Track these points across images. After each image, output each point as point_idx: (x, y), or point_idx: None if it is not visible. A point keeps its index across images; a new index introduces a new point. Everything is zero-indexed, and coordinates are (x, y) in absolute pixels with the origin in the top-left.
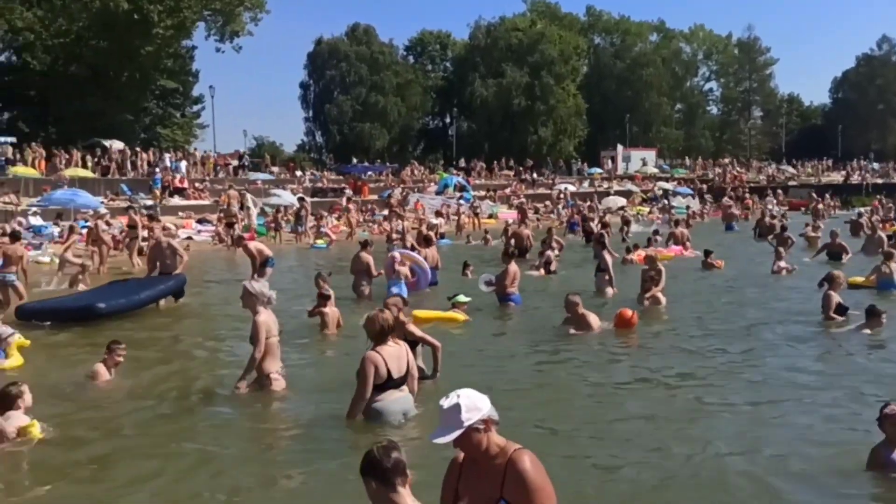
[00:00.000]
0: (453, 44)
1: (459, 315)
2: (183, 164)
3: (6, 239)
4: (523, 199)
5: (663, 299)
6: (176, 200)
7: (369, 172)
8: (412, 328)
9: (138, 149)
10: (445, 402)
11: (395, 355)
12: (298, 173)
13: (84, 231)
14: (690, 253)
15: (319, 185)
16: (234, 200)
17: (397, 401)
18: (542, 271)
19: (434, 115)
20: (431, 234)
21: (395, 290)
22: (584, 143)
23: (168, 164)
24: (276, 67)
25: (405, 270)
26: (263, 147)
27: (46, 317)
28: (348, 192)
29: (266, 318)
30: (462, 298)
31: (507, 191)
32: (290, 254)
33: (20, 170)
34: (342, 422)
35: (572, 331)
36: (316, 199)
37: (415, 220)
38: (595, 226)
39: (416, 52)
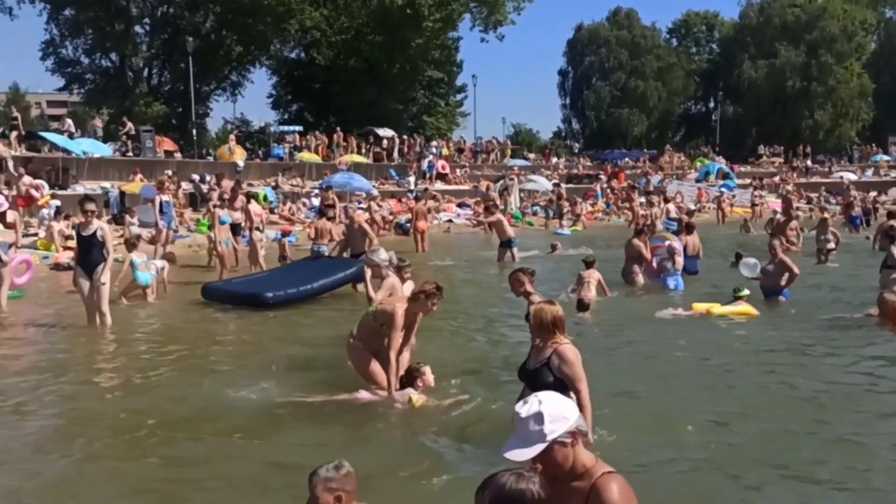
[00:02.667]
0: (721, 24)
1: (751, 309)
2: (439, 162)
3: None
4: (790, 188)
5: None
6: (438, 185)
7: (626, 159)
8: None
9: (405, 136)
10: (524, 410)
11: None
12: (554, 160)
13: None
14: None
15: (574, 171)
16: (493, 186)
17: None
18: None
19: (697, 100)
20: (693, 221)
21: (671, 282)
22: (868, 128)
23: (434, 151)
24: (536, 55)
25: (681, 261)
26: (521, 134)
27: (222, 298)
28: (603, 178)
29: (394, 280)
30: (745, 292)
31: (776, 179)
32: (536, 239)
33: (305, 156)
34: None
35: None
36: (571, 186)
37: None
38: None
39: (680, 35)
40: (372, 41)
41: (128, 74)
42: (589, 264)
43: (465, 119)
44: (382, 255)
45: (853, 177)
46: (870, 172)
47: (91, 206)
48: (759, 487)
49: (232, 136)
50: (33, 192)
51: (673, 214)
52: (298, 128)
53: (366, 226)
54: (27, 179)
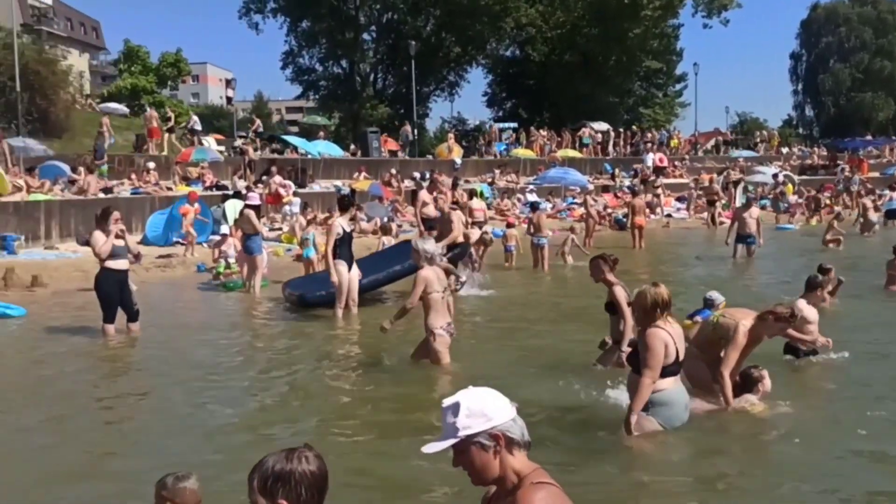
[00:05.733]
0: None
1: None
2: (657, 155)
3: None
4: None
5: None
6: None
7: (869, 147)
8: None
9: (621, 129)
10: (447, 400)
11: (679, 334)
12: (784, 150)
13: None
14: None
15: (808, 161)
16: (716, 179)
17: (682, 391)
18: None
19: None
20: None
21: None
22: None
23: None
24: (764, 39)
25: None
26: (746, 124)
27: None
28: (844, 169)
29: (428, 273)
30: None
31: None
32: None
33: (520, 152)
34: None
35: None
36: (805, 177)
37: None
38: None
39: None
40: (588, 34)
41: (356, 80)
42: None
43: (684, 109)
44: (428, 246)
45: None
46: None
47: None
48: None
49: (450, 135)
50: (281, 190)
51: None
52: (514, 124)
53: (455, 217)
54: (277, 179)
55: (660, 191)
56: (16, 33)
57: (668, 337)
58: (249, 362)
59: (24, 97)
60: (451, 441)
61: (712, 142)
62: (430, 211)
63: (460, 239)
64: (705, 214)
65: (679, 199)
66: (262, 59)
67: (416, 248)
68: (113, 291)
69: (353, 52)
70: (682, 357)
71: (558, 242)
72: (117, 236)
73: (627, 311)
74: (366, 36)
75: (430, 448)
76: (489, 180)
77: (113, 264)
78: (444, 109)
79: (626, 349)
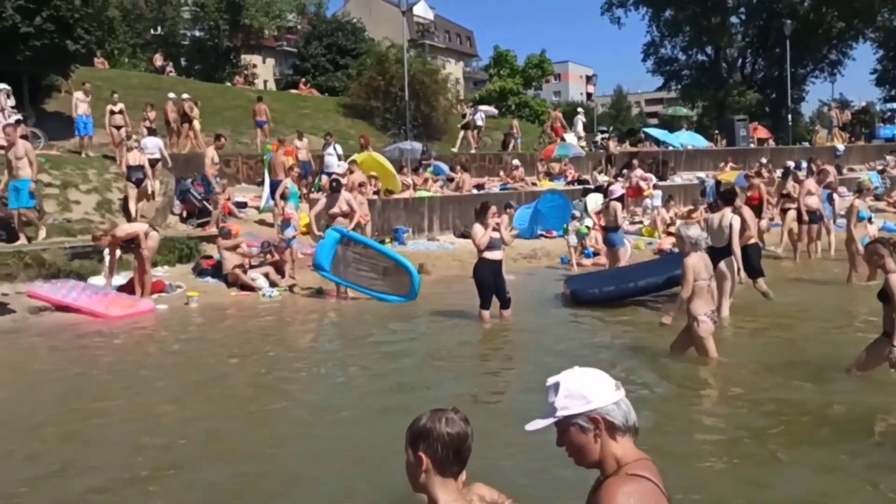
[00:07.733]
0: None
1: None
2: None
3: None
4: None
5: None
6: None
7: None
8: None
9: None
10: (551, 379)
11: None
12: None
13: None
14: None
15: None
16: None
17: None
18: None
19: None
20: None
21: None
22: None
23: None
24: None
25: None
26: None
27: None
28: None
29: (695, 261)
30: None
31: None
32: None
33: None
34: None
35: None
36: None
37: None
38: None
39: None
40: None
41: (722, 66)
42: None
43: None
44: (692, 232)
45: None
46: None
47: None
48: None
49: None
50: (642, 183)
51: None
52: None
53: (746, 213)
54: (638, 172)
55: None
56: (406, 48)
57: None
58: (615, 352)
59: (411, 105)
60: (550, 420)
61: None
62: (813, 203)
63: (753, 239)
64: None
65: None
66: (621, 53)
67: (680, 234)
68: (489, 280)
69: (720, 37)
70: None
71: None
72: (494, 229)
73: None
74: (733, 19)
75: (532, 426)
76: (879, 168)
77: (489, 255)
78: (823, 91)
79: None
